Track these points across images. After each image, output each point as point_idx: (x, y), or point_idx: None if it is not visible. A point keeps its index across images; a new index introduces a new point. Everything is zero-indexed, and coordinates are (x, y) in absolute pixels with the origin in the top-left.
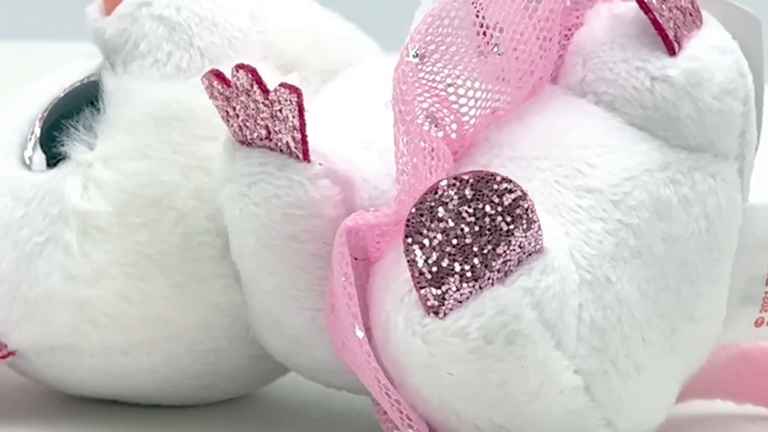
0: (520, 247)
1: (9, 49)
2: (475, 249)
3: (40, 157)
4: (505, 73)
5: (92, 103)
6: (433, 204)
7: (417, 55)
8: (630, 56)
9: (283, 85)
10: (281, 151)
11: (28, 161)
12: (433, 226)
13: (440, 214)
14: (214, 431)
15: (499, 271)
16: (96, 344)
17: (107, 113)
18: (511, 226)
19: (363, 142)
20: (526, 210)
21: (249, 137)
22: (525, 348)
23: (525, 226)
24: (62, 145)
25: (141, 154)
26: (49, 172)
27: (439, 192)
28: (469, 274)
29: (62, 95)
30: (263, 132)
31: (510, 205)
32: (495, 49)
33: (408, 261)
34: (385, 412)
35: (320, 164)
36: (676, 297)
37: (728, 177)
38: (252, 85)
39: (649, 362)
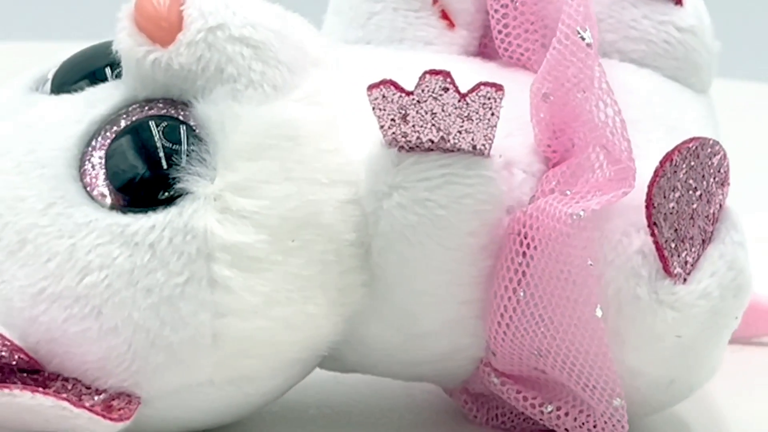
0: (720, 204)
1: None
2: (700, 212)
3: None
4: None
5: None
6: (669, 175)
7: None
8: (648, 12)
9: (484, 84)
10: (459, 150)
11: (111, 206)
12: (671, 196)
13: (675, 184)
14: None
15: (709, 229)
16: (239, 376)
17: (218, 143)
18: (718, 186)
19: None
20: (727, 169)
21: (414, 143)
22: (744, 299)
23: (723, 184)
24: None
25: (283, 177)
26: (167, 211)
27: (674, 162)
28: (699, 238)
29: (112, 137)
30: (437, 135)
31: (717, 165)
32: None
33: (652, 233)
34: (503, 412)
35: (500, 156)
36: None
37: None
38: (447, 89)
39: None
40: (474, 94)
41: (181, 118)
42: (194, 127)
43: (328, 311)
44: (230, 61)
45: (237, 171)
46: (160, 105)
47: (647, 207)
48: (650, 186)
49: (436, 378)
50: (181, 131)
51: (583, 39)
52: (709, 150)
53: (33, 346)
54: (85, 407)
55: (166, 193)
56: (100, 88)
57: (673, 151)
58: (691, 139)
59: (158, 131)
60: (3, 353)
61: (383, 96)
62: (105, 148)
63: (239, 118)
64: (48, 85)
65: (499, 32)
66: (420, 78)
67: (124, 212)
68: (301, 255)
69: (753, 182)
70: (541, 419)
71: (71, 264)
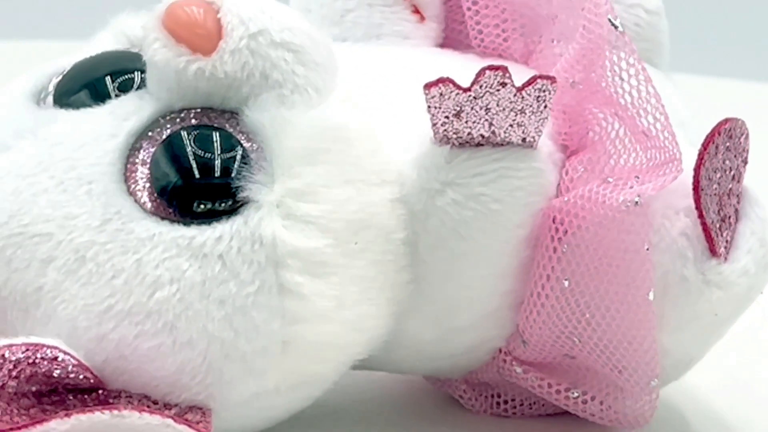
0: (742, 182)
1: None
2: (733, 191)
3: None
4: None
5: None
6: (712, 157)
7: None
8: None
9: (540, 77)
10: (508, 143)
11: (170, 220)
12: (714, 177)
13: (717, 165)
14: None
15: (738, 207)
16: (303, 381)
17: (274, 149)
18: (743, 165)
19: None
20: (749, 147)
21: (464, 138)
22: None
23: (746, 162)
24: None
25: (342, 180)
26: (232, 221)
27: (716, 144)
28: (734, 216)
29: (154, 150)
30: (488, 130)
31: (743, 144)
32: None
33: (701, 215)
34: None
35: (546, 147)
36: None
37: None
38: (504, 84)
39: None
40: (530, 87)
41: (216, 125)
42: (232, 135)
43: (386, 311)
44: (275, 67)
45: (297, 177)
46: (198, 113)
47: (695, 190)
48: (697, 169)
49: (449, 371)
50: (215, 139)
51: (616, 27)
52: (739, 130)
53: (99, 365)
54: (186, 423)
55: (228, 203)
56: (125, 101)
57: (713, 133)
58: (726, 120)
59: (202, 141)
60: (71, 372)
61: (441, 94)
62: (148, 162)
63: (292, 124)
64: (50, 98)
65: (477, 23)
66: (478, 74)
67: (186, 224)
68: (363, 257)
69: (753, 182)
70: (566, 405)
71: (139, 279)
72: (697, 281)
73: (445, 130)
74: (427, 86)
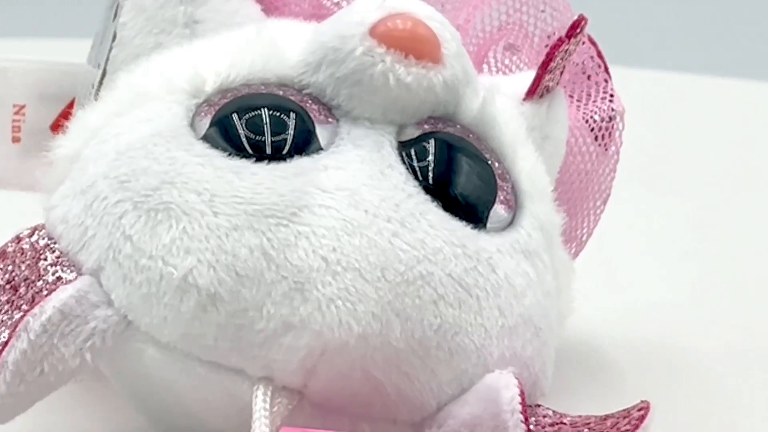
0: None
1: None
2: None
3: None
4: None
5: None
6: None
7: None
8: None
9: (582, 18)
10: (553, 89)
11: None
12: None
13: None
14: None
15: None
16: None
17: (500, 139)
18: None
19: None
20: None
21: (543, 91)
22: None
23: None
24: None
25: (536, 153)
26: (522, 215)
27: None
28: None
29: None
30: (553, 79)
31: None
32: None
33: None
34: None
35: None
36: None
37: None
38: (582, 33)
39: None
40: (581, 34)
41: (446, 130)
42: (462, 137)
43: None
44: (468, 62)
45: (525, 159)
46: (429, 124)
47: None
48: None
49: None
50: (462, 145)
51: None
52: None
53: None
54: None
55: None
56: (351, 132)
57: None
58: None
59: (463, 151)
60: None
61: (566, 51)
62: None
63: (498, 111)
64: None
65: None
66: (575, 26)
67: (505, 230)
68: None
69: (753, 182)
70: None
71: (512, 292)
72: None
73: (545, 85)
74: (556, 47)
